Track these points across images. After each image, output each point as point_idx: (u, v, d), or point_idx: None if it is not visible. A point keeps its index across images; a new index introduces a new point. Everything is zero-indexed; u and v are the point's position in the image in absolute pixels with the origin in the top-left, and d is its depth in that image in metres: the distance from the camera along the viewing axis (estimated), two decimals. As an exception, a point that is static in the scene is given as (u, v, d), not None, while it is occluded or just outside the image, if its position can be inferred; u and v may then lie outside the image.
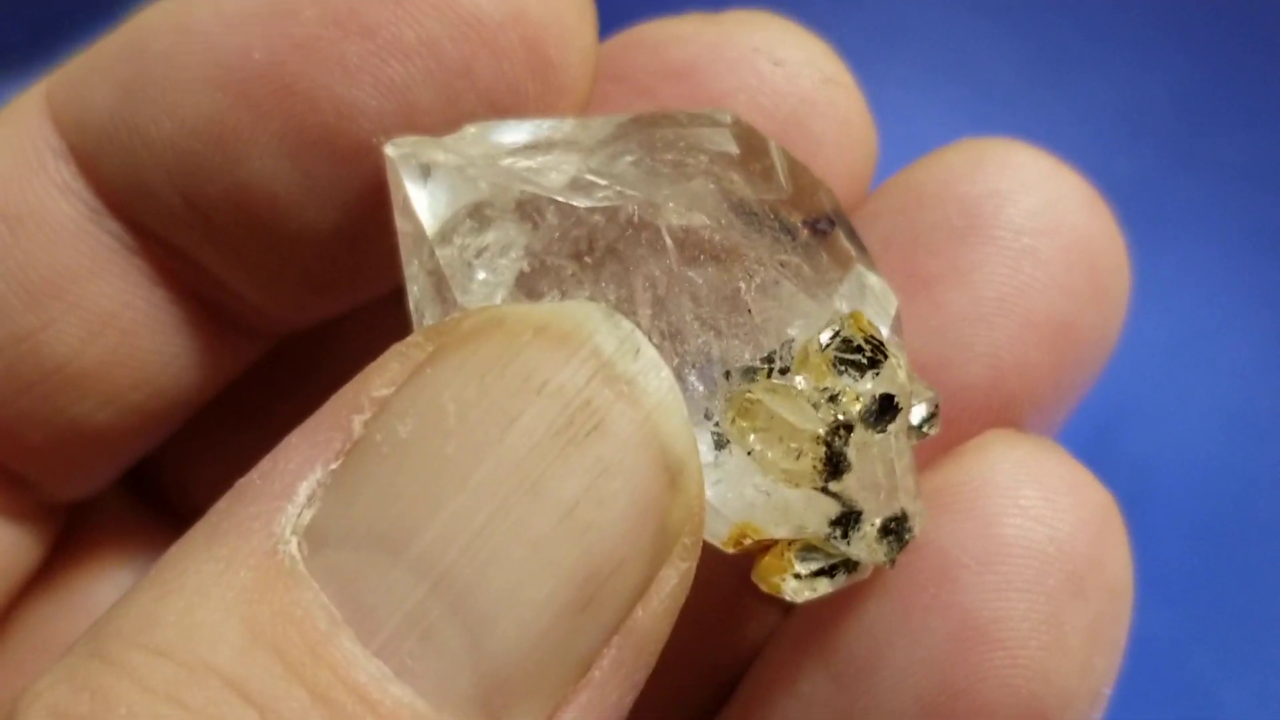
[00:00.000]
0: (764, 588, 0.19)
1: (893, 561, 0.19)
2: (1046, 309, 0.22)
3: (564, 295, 0.18)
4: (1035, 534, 0.20)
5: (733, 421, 0.18)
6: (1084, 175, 0.23)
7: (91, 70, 0.21)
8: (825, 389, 0.18)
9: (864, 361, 0.18)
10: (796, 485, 0.18)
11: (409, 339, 0.17)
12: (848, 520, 0.19)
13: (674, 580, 0.16)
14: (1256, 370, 0.44)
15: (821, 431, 0.18)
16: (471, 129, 0.20)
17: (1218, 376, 0.44)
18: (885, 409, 0.18)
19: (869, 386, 0.18)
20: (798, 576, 0.19)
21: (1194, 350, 0.44)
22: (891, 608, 0.20)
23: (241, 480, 0.16)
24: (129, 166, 0.21)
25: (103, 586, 0.25)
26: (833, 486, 0.18)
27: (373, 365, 0.17)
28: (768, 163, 0.20)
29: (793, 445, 0.18)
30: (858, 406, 0.18)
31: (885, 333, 0.19)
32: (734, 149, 0.20)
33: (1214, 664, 0.41)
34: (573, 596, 0.15)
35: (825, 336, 0.18)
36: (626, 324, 0.16)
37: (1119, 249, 0.23)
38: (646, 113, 0.20)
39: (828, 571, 0.19)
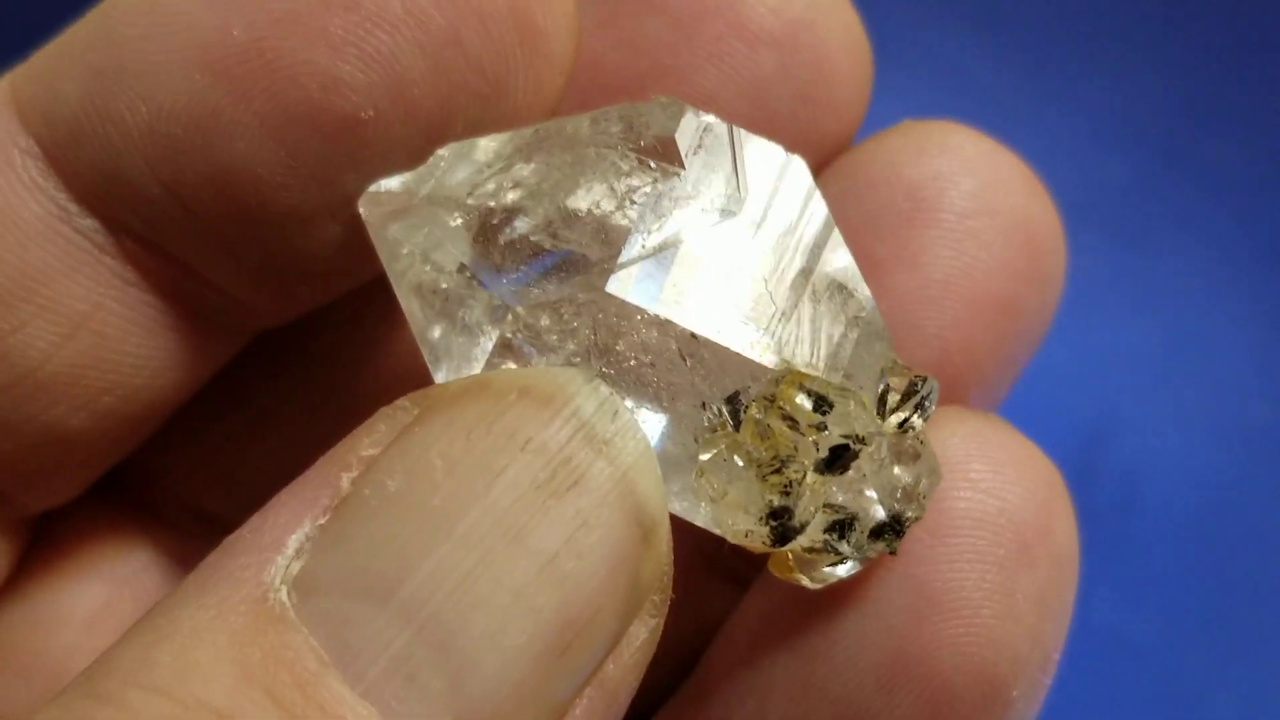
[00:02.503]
0: (781, 578, 0.20)
1: (894, 551, 0.20)
2: (990, 289, 0.22)
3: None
4: (986, 506, 0.21)
5: (699, 477, 0.19)
6: (1037, 169, 0.24)
7: (59, 60, 0.20)
8: (774, 458, 0.19)
9: (807, 423, 0.19)
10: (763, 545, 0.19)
11: (396, 403, 0.17)
12: (842, 526, 0.19)
13: (644, 635, 0.17)
14: (1248, 376, 0.45)
15: (764, 515, 0.19)
16: (444, 152, 0.20)
17: (1209, 382, 0.44)
18: (837, 459, 0.19)
19: (816, 446, 0.19)
20: (807, 574, 0.20)
21: (1186, 356, 0.44)
22: (847, 580, 0.21)
23: (231, 536, 0.17)
24: (103, 158, 0.20)
25: (70, 590, 0.24)
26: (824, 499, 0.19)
27: (361, 427, 0.17)
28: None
29: (743, 519, 0.19)
30: (803, 474, 0.19)
31: (859, 305, 0.20)
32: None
33: (1203, 669, 0.41)
34: (551, 643, 0.16)
35: (760, 406, 0.19)
36: (605, 389, 0.17)
37: (1056, 228, 0.23)
38: (596, 113, 0.20)
39: (837, 561, 0.20)
